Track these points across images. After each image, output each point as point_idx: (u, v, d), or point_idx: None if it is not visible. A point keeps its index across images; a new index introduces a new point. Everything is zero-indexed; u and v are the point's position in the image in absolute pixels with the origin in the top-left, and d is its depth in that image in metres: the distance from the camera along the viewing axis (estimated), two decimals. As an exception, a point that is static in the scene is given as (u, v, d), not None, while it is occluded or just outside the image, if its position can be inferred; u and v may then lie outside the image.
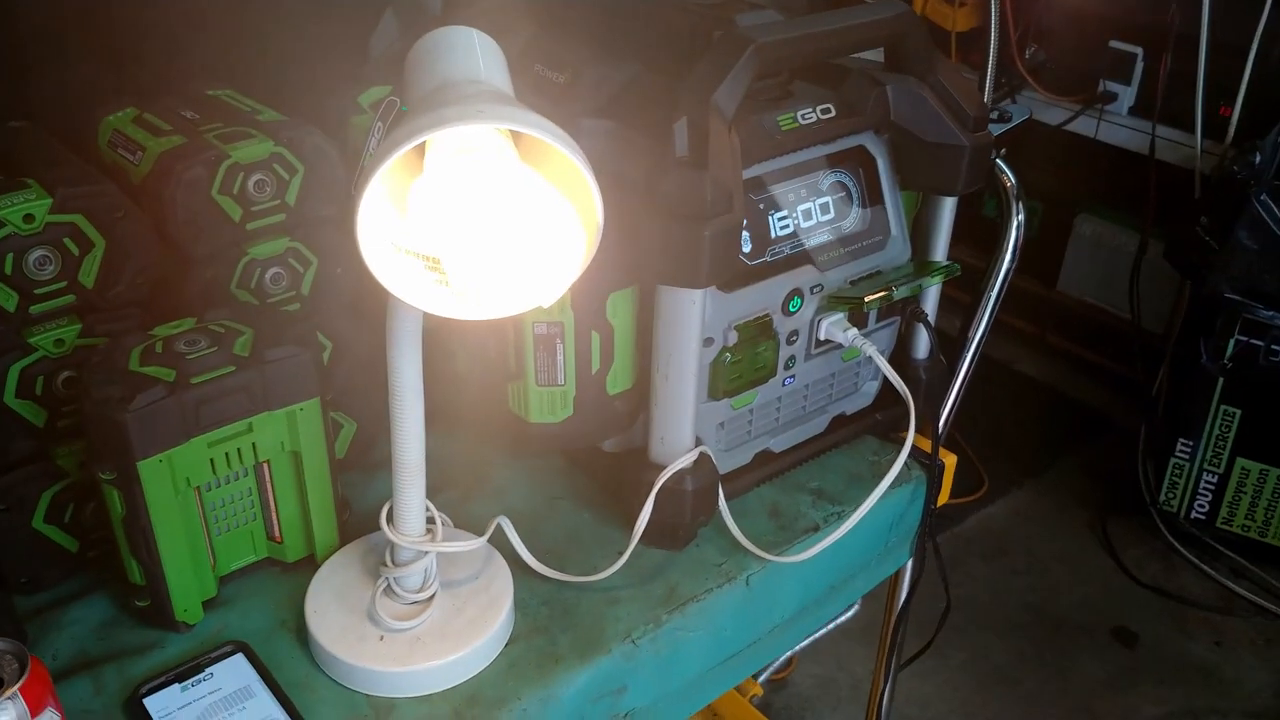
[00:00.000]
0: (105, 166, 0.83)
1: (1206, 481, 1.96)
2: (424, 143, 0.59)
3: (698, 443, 0.85)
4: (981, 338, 1.07)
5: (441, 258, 0.58)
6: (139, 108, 0.85)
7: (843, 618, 1.53)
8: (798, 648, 1.64)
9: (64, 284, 0.75)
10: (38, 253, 0.73)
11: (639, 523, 0.83)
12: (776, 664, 1.65)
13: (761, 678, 1.59)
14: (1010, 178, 1.03)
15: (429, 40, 0.62)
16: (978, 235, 1.50)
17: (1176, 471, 1.99)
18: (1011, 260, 1.04)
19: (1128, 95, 2.05)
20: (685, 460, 0.84)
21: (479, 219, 0.57)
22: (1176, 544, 2.04)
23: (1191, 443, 1.94)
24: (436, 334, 0.84)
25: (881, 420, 1.02)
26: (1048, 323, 2.56)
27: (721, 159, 0.73)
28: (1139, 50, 2.01)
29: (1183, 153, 1.96)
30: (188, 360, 0.73)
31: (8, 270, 0.72)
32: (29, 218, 0.72)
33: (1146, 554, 2.06)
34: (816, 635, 1.57)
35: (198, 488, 0.77)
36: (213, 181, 0.78)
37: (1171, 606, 1.96)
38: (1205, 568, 2.01)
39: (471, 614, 0.79)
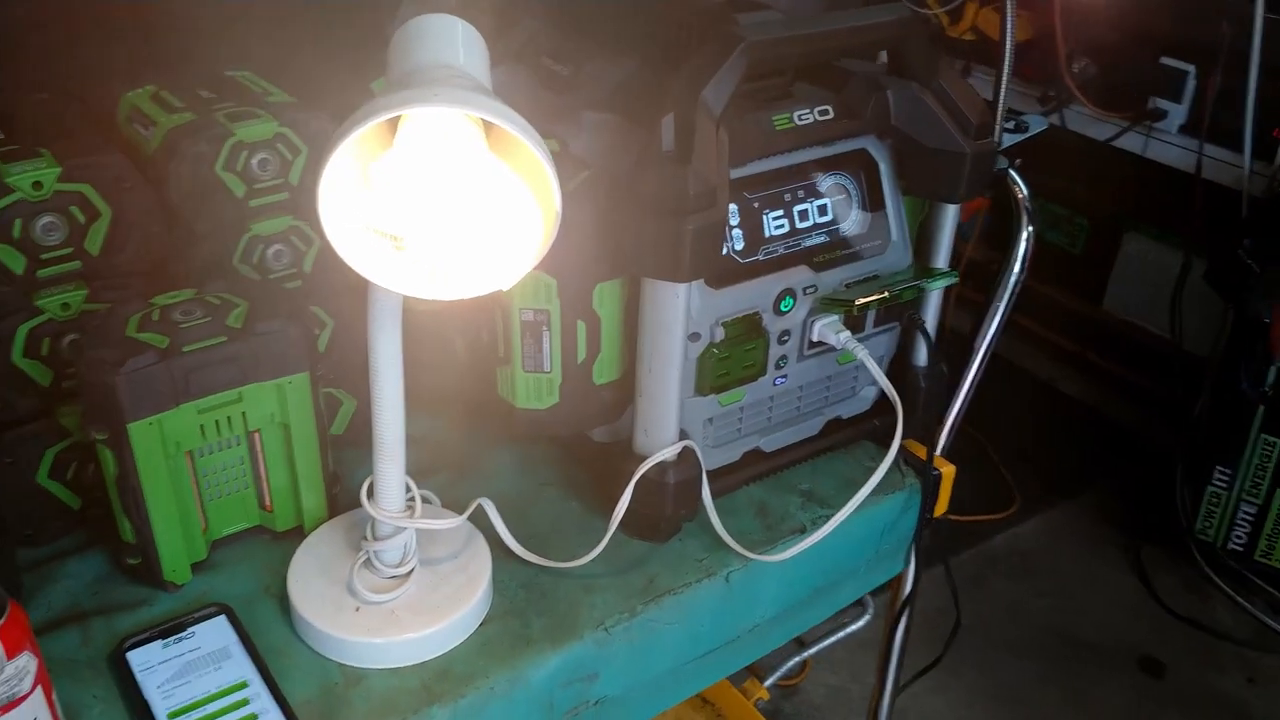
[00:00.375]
0: (122, 140, 0.86)
1: (1245, 512, 1.91)
2: (398, 123, 0.60)
3: (683, 436, 0.86)
4: (989, 348, 1.05)
5: (402, 235, 0.59)
6: (158, 85, 0.88)
7: (854, 626, 1.52)
8: (808, 654, 1.63)
9: (70, 250, 0.78)
10: (45, 219, 0.76)
11: (616, 511, 0.84)
12: (786, 669, 1.64)
13: (768, 682, 1.58)
14: (1023, 189, 1.02)
15: (411, 26, 0.64)
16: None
17: (1214, 500, 1.93)
18: (1021, 271, 1.03)
19: (1178, 113, 1.99)
20: (668, 453, 0.84)
21: (439, 200, 0.58)
22: (1212, 575, 1.98)
23: (1230, 471, 1.89)
24: (436, 319, 0.86)
25: (879, 426, 1.01)
26: (1091, 342, 2.51)
27: (706, 155, 0.74)
28: (1191, 68, 1.96)
29: (1232, 173, 1.91)
30: (181, 329, 0.76)
31: (16, 234, 0.75)
32: (38, 185, 0.75)
33: (1180, 583, 2.01)
34: (829, 643, 1.55)
35: (190, 453, 0.79)
36: (217, 158, 0.81)
37: (1203, 639, 1.90)
38: (1241, 601, 1.95)
39: (448, 591, 0.81)
